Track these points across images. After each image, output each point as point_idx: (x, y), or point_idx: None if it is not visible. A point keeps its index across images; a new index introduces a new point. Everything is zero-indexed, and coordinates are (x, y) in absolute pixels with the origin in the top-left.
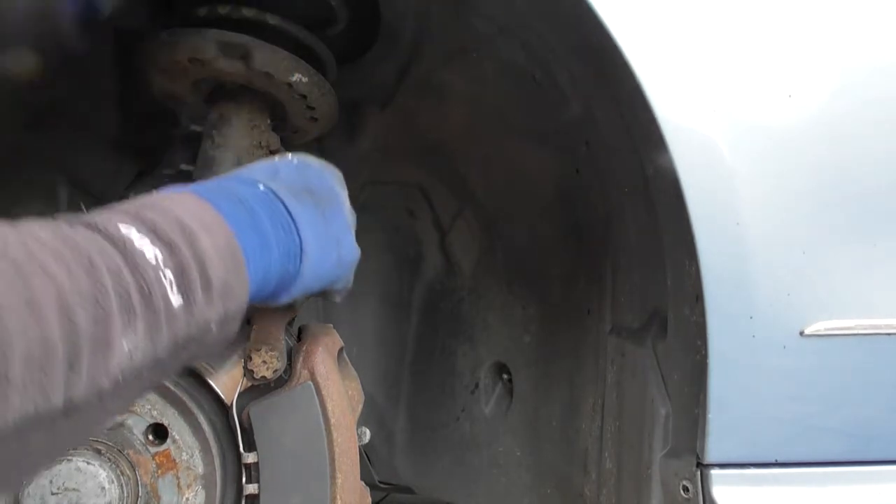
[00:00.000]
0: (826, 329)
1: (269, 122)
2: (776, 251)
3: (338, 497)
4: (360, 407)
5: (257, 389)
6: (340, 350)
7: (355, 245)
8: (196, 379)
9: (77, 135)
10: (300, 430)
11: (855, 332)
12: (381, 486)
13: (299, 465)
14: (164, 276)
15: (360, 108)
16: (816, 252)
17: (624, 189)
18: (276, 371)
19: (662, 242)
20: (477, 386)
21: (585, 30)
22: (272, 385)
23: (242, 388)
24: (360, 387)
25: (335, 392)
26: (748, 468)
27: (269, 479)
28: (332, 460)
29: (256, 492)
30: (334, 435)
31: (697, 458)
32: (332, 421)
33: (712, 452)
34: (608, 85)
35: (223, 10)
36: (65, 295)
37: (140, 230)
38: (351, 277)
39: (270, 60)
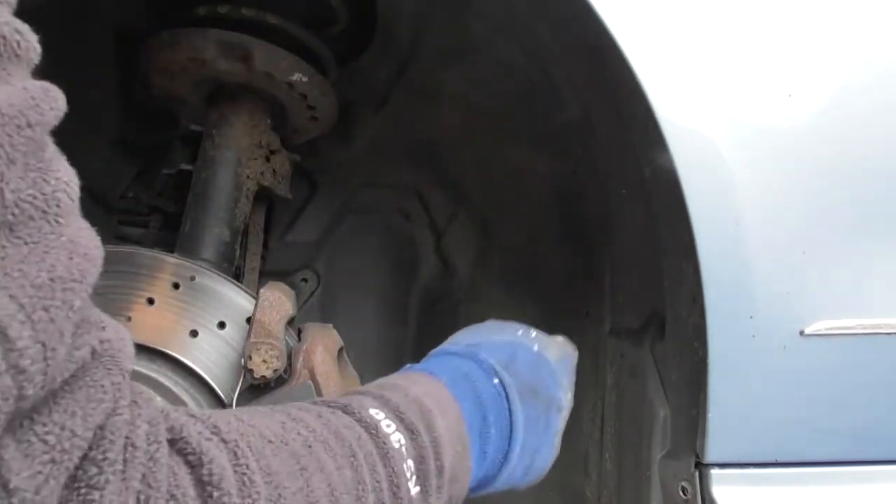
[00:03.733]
0: (826, 329)
1: (269, 121)
2: (776, 251)
3: None
4: None
5: (257, 389)
6: (340, 350)
7: (554, 449)
8: (196, 378)
9: (77, 135)
10: None
11: (855, 332)
12: None
13: None
14: (407, 467)
15: (355, 110)
16: (816, 252)
17: (622, 190)
18: (275, 370)
19: (660, 243)
20: None
21: (584, 30)
22: (272, 384)
23: (242, 388)
24: (359, 385)
25: (335, 392)
26: (748, 468)
27: None
28: None
29: None
30: None
31: (697, 457)
32: None
33: (712, 452)
34: (607, 85)
35: (223, 9)
36: (335, 492)
37: (388, 416)
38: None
39: (270, 60)
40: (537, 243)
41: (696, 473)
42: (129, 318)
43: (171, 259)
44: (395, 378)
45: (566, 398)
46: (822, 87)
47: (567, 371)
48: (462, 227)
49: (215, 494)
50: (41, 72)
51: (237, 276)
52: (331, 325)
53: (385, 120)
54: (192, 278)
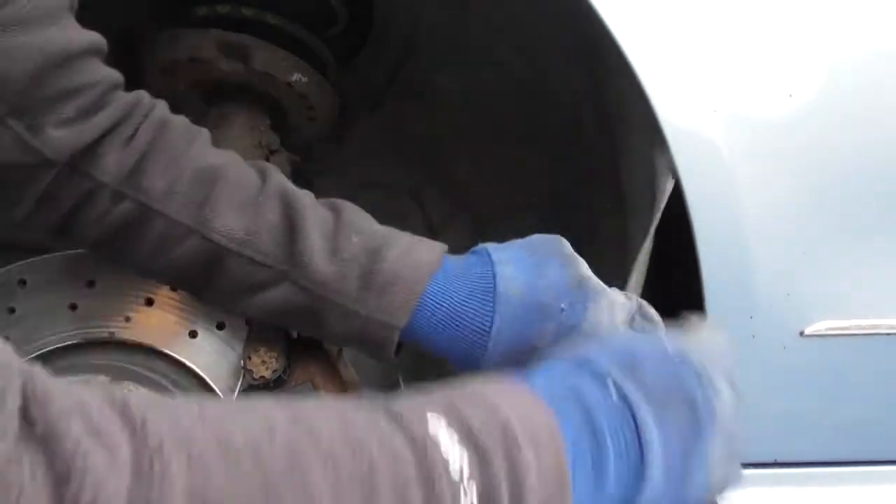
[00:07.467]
0: (826, 329)
1: (268, 121)
2: (776, 251)
3: None
4: None
5: (256, 390)
6: (340, 351)
7: (709, 469)
8: (195, 379)
9: None
10: None
11: (855, 332)
12: None
13: None
14: (465, 494)
15: (350, 110)
16: (816, 252)
17: (617, 191)
18: (275, 371)
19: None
20: None
21: (584, 29)
22: (271, 385)
23: (241, 389)
24: (359, 388)
25: (334, 393)
26: (747, 468)
27: None
28: None
29: None
30: None
31: None
32: None
33: None
34: (605, 86)
35: (223, 9)
36: None
37: (451, 427)
38: None
39: (270, 60)
40: None
41: None
42: (129, 319)
43: None
44: (480, 385)
45: (720, 400)
46: (823, 88)
47: (718, 366)
48: (459, 227)
49: None
50: None
51: None
52: None
53: (380, 120)
54: None
